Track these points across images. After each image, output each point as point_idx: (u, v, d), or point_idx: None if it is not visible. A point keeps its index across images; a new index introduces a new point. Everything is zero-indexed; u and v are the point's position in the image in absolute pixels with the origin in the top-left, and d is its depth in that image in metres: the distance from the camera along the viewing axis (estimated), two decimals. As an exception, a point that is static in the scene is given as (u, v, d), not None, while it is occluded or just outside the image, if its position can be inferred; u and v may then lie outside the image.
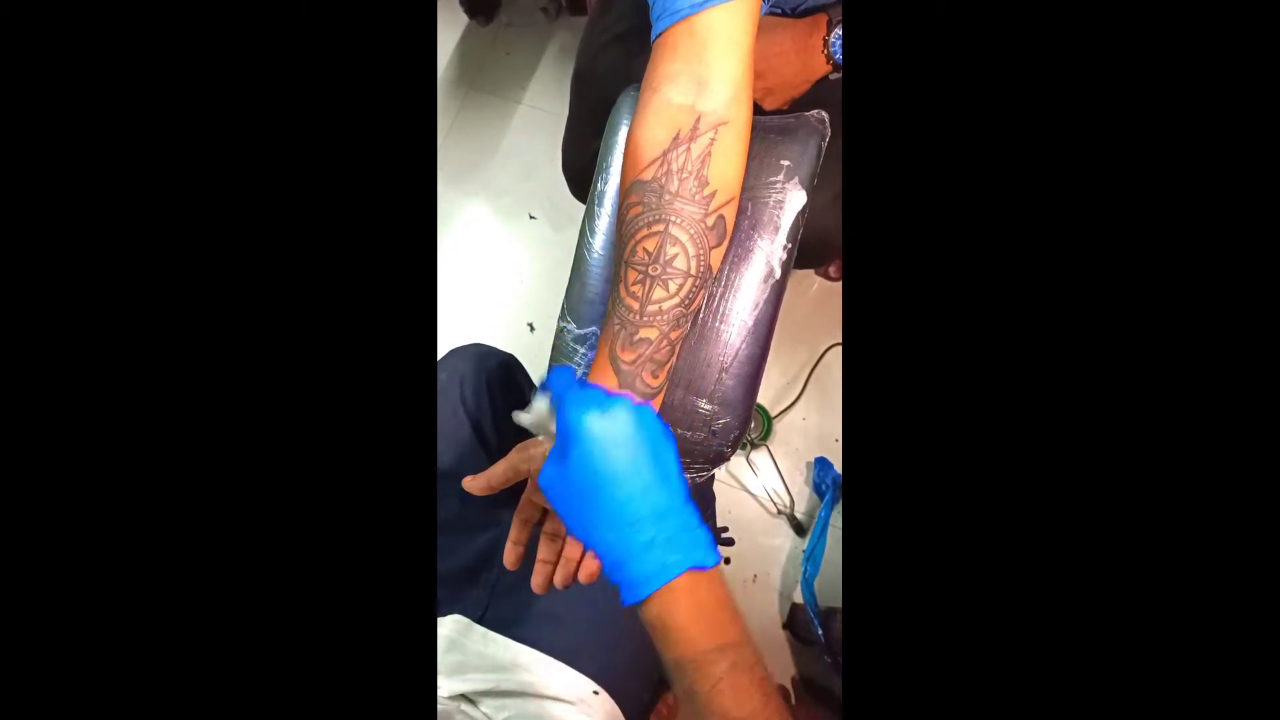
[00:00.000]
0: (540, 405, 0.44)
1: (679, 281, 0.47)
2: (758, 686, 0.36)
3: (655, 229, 0.47)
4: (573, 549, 0.51)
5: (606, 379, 0.48)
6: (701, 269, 0.47)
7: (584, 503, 0.38)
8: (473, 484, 0.49)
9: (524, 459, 0.48)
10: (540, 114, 1.47)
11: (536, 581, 0.51)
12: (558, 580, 0.50)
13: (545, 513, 0.52)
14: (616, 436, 0.37)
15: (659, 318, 0.47)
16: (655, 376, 0.48)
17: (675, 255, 0.46)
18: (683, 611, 0.36)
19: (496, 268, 1.39)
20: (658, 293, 0.47)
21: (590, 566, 0.49)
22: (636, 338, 0.47)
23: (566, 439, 0.39)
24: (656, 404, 0.50)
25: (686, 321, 0.49)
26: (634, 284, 0.47)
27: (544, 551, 0.52)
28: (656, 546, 0.37)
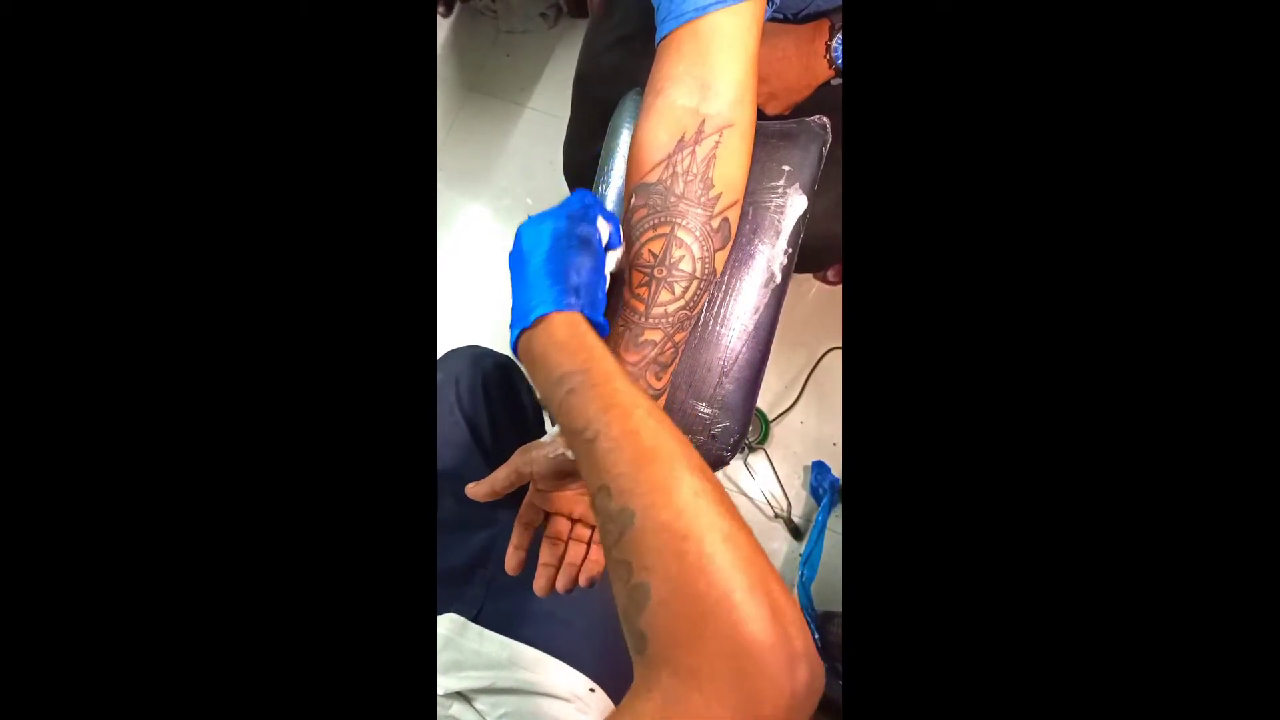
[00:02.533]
0: None
1: (684, 284, 0.47)
2: (590, 398, 0.39)
3: (661, 231, 0.47)
4: (575, 553, 0.51)
5: None
6: (706, 271, 0.47)
7: (513, 274, 0.46)
8: (476, 490, 0.49)
9: (526, 462, 0.48)
10: (541, 116, 1.47)
11: (539, 585, 0.51)
12: (560, 584, 0.50)
13: (547, 516, 0.52)
14: (534, 239, 0.46)
15: (664, 320, 0.47)
16: (659, 379, 0.49)
17: (681, 258, 0.47)
18: (537, 345, 0.42)
19: (495, 270, 1.39)
20: (663, 295, 0.47)
21: (591, 570, 0.50)
22: (641, 339, 0.48)
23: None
24: (660, 405, 0.50)
25: (690, 324, 0.49)
26: (639, 286, 0.48)
27: (546, 555, 0.52)
28: (530, 307, 0.43)
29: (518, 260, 0.46)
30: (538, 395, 0.42)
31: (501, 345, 0.81)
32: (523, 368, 0.43)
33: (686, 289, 0.47)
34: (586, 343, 0.41)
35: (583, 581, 0.50)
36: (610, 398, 0.39)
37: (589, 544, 0.52)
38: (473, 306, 1.36)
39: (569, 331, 0.42)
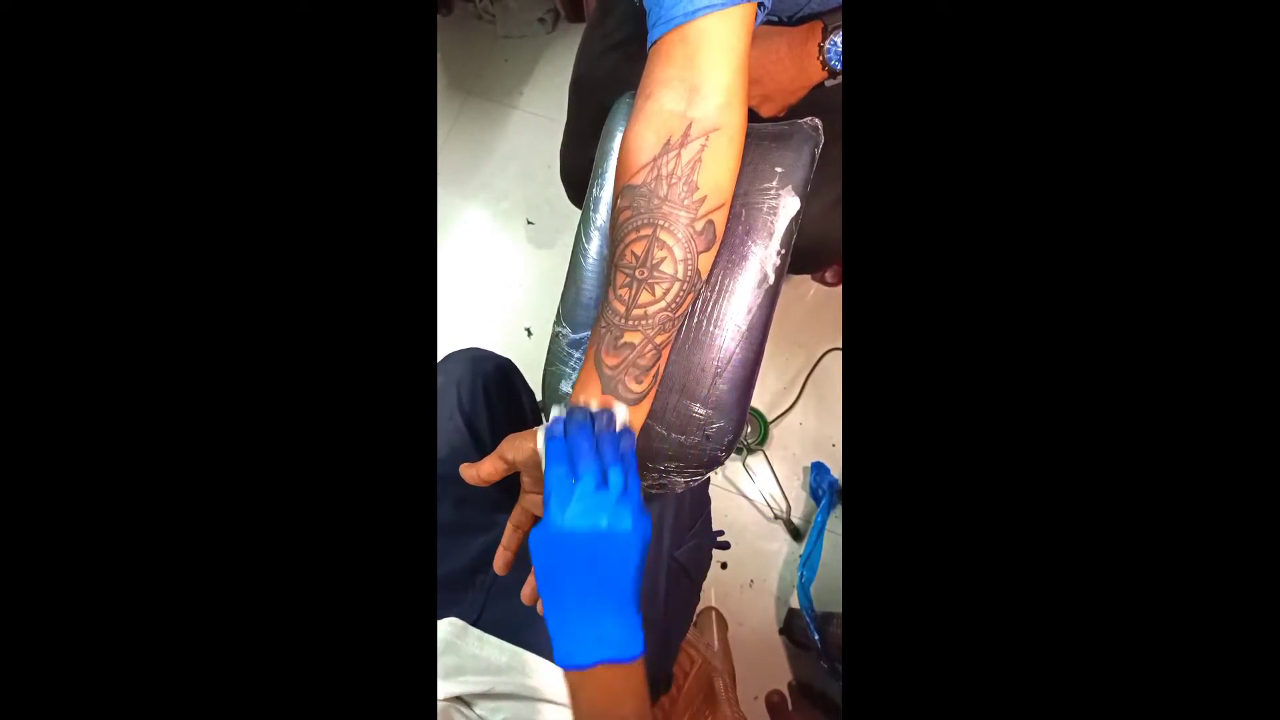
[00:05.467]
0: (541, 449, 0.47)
1: (666, 285, 0.47)
2: None
3: (643, 233, 0.47)
4: None
5: (591, 383, 0.49)
6: (689, 273, 0.47)
7: (549, 576, 0.43)
8: (466, 471, 0.51)
9: (512, 449, 0.49)
10: (538, 119, 1.47)
11: (526, 592, 0.52)
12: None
13: (538, 520, 0.53)
14: (586, 549, 0.42)
15: (644, 322, 0.48)
16: (639, 382, 0.49)
17: (662, 259, 0.47)
18: (591, 688, 0.42)
19: (494, 272, 1.39)
20: (644, 296, 0.47)
21: None
22: (621, 342, 0.48)
23: (547, 523, 0.43)
24: (644, 408, 0.50)
25: (674, 326, 0.49)
26: (621, 287, 0.48)
27: None
28: (587, 636, 0.42)
29: (597, 549, 0.43)
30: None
31: (501, 347, 0.82)
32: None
33: (668, 291, 0.47)
34: (646, 702, 0.42)
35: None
36: None
37: None
38: (472, 309, 1.36)
39: (635, 683, 0.42)
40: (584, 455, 0.43)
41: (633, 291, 0.47)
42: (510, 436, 0.50)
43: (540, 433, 0.47)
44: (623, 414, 0.47)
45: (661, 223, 0.46)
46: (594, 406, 0.48)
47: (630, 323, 0.48)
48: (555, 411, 0.48)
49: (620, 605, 0.42)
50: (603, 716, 0.41)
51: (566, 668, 0.42)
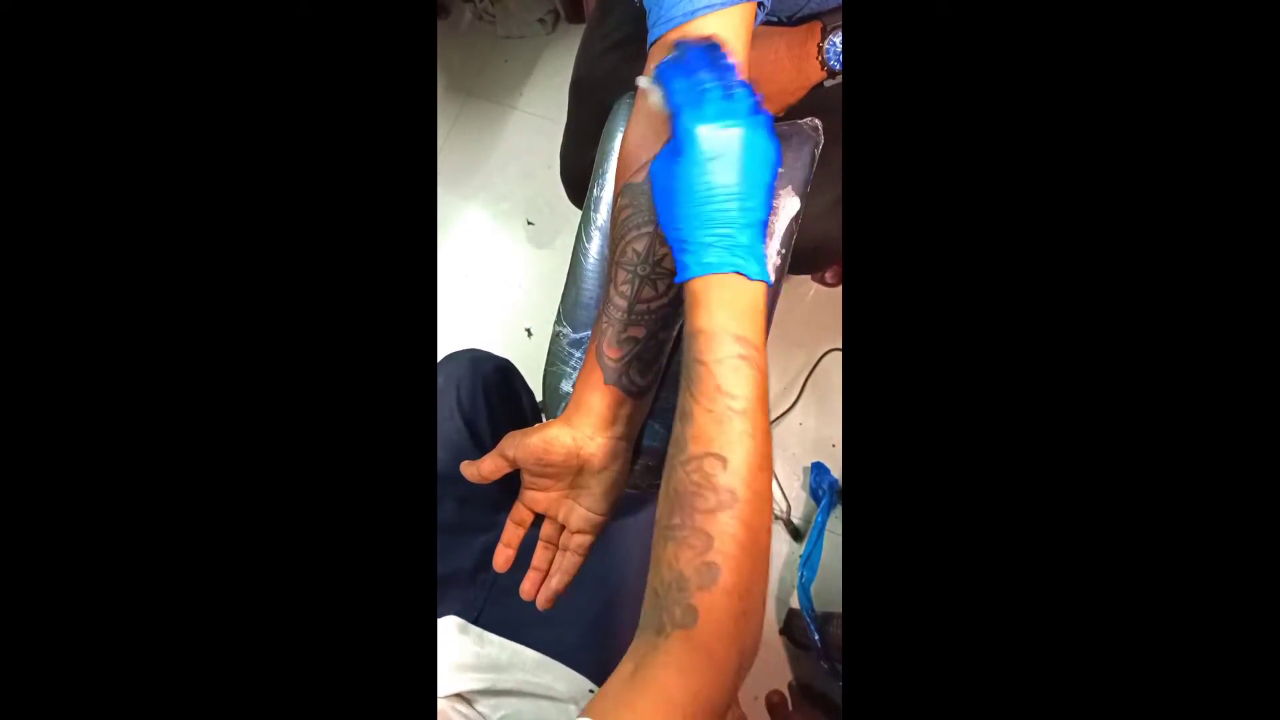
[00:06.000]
0: (657, 99, 0.44)
1: (667, 281, 0.47)
2: (756, 383, 0.39)
3: (645, 230, 0.47)
4: (570, 560, 0.52)
5: (593, 375, 0.49)
6: None
7: (676, 196, 0.41)
8: (467, 469, 0.51)
9: (513, 446, 0.49)
10: (538, 120, 1.47)
11: (525, 588, 0.52)
12: (540, 600, 0.52)
13: (541, 517, 0.53)
14: (722, 153, 0.40)
15: (647, 317, 0.48)
16: (643, 375, 0.49)
17: (664, 255, 0.47)
18: (716, 296, 0.40)
19: (494, 273, 1.39)
20: (646, 292, 0.48)
21: (555, 585, 0.52)
22: (624, 335, 0.48)
23: (679, 140, 0.41)
24: (647, 403, 0.50)
25: (676, 322, 0.49)
26: (623, 283, 0.48)
27: (538, 559, 0.53)
28: (717, 247, 0.40)
29: (752, 155, 0.40)
30: (690, 325, 0.41)
31: (501, 347, 0.82)
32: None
33: (670, 287, 0.48)
34: (763, 326, 0.41)
35: (547, 594, 0.52)
36: (764, 390, 0.40)
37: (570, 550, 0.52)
38: (472, 309, 1.36)
39: (759, 304, 0.41)
40: (702, 70, 0.41)
41: (635, 288, 0.48)
42: (511, 434, 0.50)
43: (648, 78, 0.44)
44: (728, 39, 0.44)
45: None
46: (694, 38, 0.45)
47: (634, 317, 0.48)
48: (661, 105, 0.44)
49: (752, 223, 0.41)
50: (725, 329, 0.40)
51: (697, 275, 0.40)
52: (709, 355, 0.39)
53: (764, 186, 0.41)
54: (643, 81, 0.45)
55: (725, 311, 0.40)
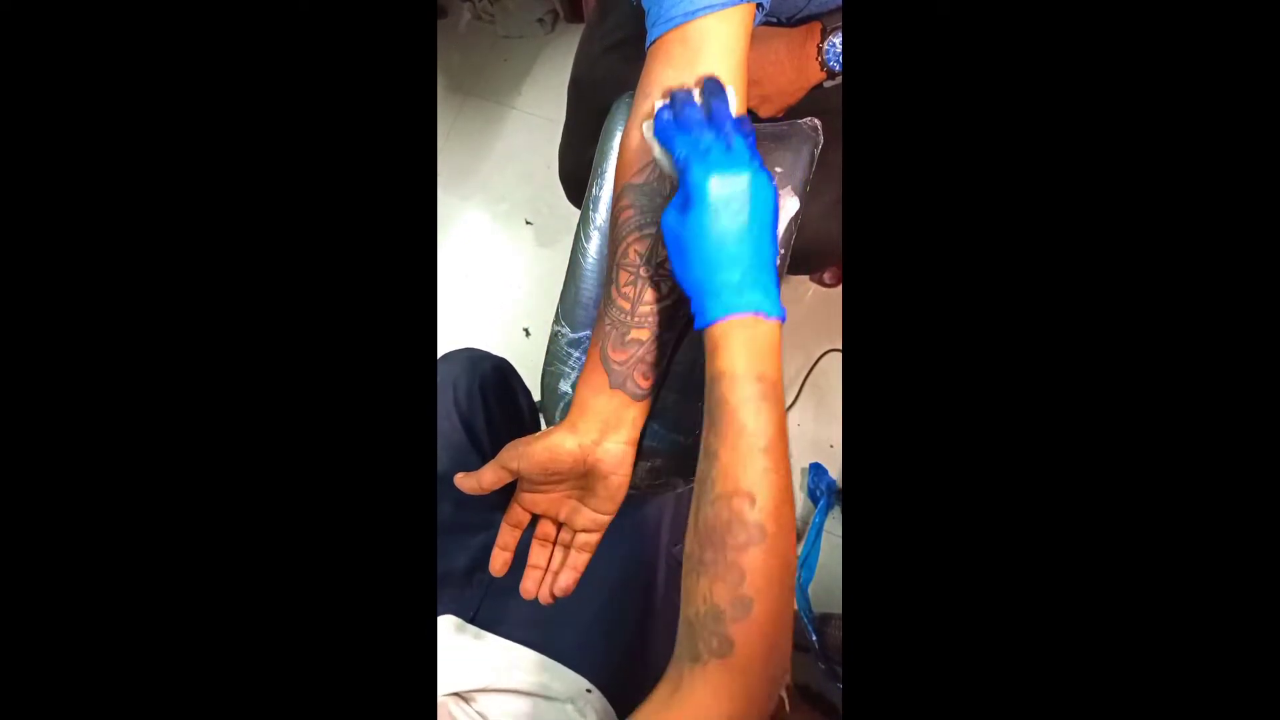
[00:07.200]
0: (659, 154, 0.46)
1: (670, 283, 0.47)
2: (777, 420, 0.41)
3: (647, 231, 0.47)
4: (578, 558, 0.52)
5: (596, 377, 0.49)
6: None
7: (690, 248, 0.43)
8: (464, 481, 0.50)
9: (514, 457, 0.49)
10: (537, 120, 1.47)
11: (526, 586, 0.52)
12: (543, 595, 0.51)
13: (535, 518, 0.53)
14: (732, 202, 0.42)
15: (650, 319, 0.48)
16: (647, 378, 0.49)
17: (666, 257, 0.47)
18: (737, 338, 0.42)
19: (493, 273, 1.39)
20: (649, 294, 0.47)
21: (565, 582, 0.52)
22: (628, 338, 0.48)
23: (689, 193, 0.42)
24: (648, 405, 0.50)
25: (678, 323, 0.49)
26: (625, 285, 0.48)
27: (535, 556, 0.53)
28: (733, 291, 0.42)
29: (757, 212, 0.42)
30: (711, 368, 0.43)
31: (499, 349, 0.82)
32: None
33: (674, 288, 0.47)
34: (779, 361, 0.43)
35: (558, 592, 0.51)
36: (783, 423, 0.42)
37: (570, 548, 0.52)
38: (471, 309, 1.36)
39: (775, 341, 0.43)
40: (700, 127, 0.43)
41: (637, 289, 0.47)
42: (512, 443, 0.50)
43: (648, 127, 0.46)
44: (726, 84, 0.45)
45: None
46: (690, 85, 0.46)
47: (637, 319, 0.48)
48: (657, 153, 0.46)
49: (765, 264, 0.42)
50: (748, 371, 0.41)
51: (718, 319, 0.42)
52: (733, 397, 0.41)
53: (771, 227, 0.43)
54: (646, 132, 0.46)
55: (746, 353, 0.41)
